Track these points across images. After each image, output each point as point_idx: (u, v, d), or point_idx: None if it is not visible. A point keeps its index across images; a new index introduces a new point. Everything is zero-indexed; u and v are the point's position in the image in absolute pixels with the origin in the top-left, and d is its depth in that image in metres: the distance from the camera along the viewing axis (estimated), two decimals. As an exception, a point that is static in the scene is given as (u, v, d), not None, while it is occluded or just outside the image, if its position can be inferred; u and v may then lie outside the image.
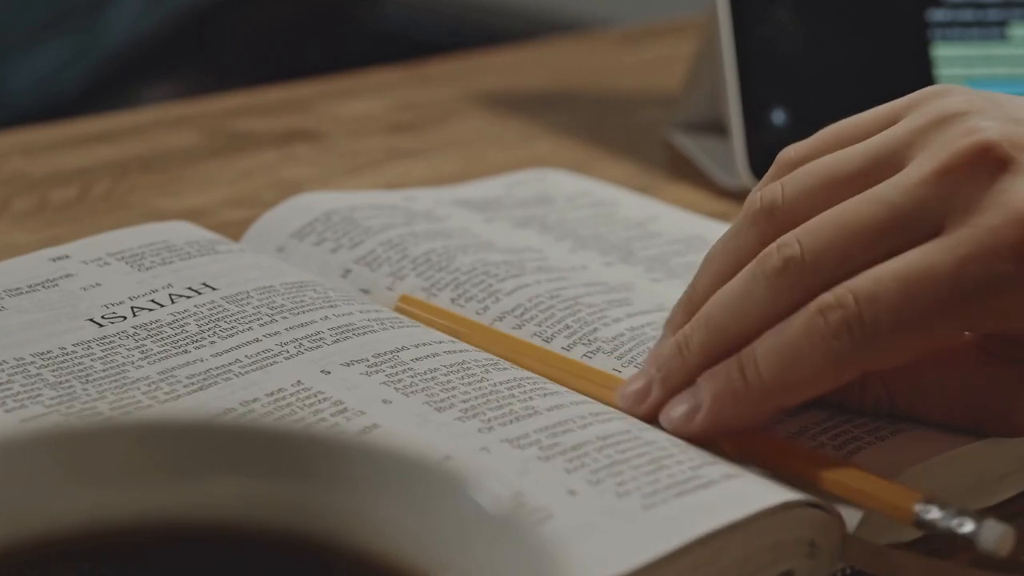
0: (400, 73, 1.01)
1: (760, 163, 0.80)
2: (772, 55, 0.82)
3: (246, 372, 0.54)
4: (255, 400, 0.52)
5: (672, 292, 0.62)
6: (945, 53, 0.83)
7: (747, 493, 0.48)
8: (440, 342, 0.56)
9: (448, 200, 0.70)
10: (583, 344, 0.57)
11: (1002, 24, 0.85)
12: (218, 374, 0.54)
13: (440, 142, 0.88)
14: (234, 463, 0.34)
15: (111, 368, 0.54)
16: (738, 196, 0.80)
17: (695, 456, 0.50)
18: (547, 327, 0.59)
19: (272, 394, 0.52)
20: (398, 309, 0.60)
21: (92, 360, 0.54)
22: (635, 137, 0.90)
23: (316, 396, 0.52)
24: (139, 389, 0.52)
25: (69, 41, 1.79)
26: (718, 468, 0.50)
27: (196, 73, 1.88)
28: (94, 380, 0.53)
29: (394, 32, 1.94)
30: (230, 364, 0.54)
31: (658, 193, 0.80)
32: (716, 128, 0.87)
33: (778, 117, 0.81)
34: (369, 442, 0.35)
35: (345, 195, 0.69)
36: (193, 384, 0.53)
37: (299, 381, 0.53)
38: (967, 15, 0.85)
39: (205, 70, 1.88)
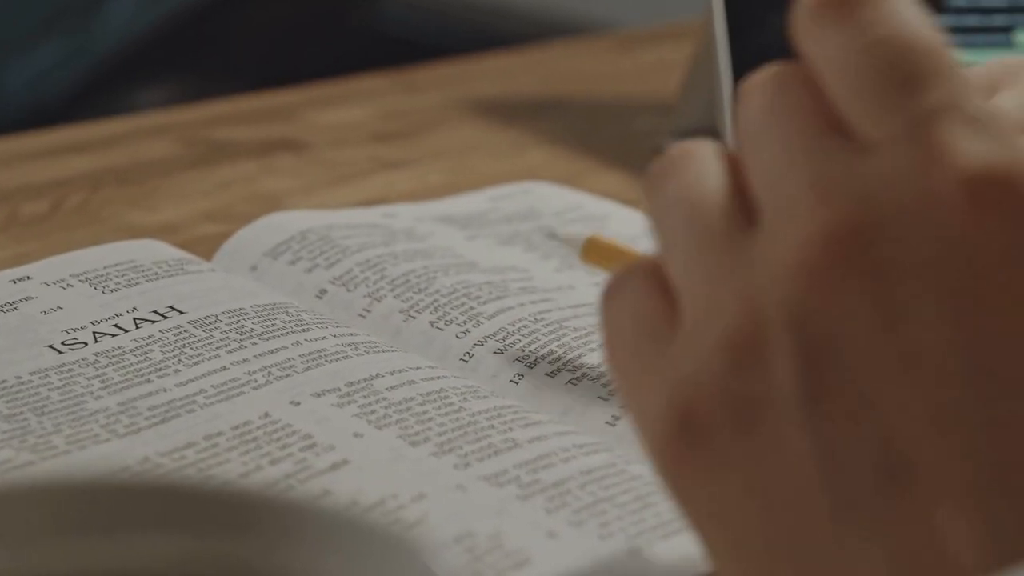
0: (387, 80, 0.98)
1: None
2: (768, 63, 0.79)
3: (211, 403, 0.51)
4: (219, 434, 0.49)
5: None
6: (949, 60, 0.81)
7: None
8: (417, 368, 0.53)
9: (430, 216, 0.68)
10: (568, 371, 0.55)
11: (1008, 30, 0.82)
12: (181, 405, 0.51)
13: (427, 152, 0.85)
14: (159, 520, 0.31)
15: (69, 399, 0.51)
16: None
17: (683, 494, 0.47)
18: (530, 352, 0.56)
19: (237, 427, 0.50)
20: (584, 255, 0.57)
21: (49, 390, 0.51)
22: (630, 146, 0.88)
23: (284, 429, 0.50)
24: (97, 422, 0.50)
25: (63, 42, 1.77)
26: (707, 507, 0.47)
27: (192, 75, 1.85)
28: (50, 412, 0.50)
29: (393, 33, 1.92)
30: (194, 395, 0.51)
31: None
32: (712, 137, 0.84)
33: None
34: (307, 499, 0.32)
35: (322, 213, 0.66)
36: (155, 416, 0.50)
37: (267, 413, 0.50)
38: (972, 20, 0.82)
39: (201, 71, 1.86)
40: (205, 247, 0.69)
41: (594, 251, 0.57)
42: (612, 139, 0.89)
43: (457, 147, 0.87)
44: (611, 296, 0.39)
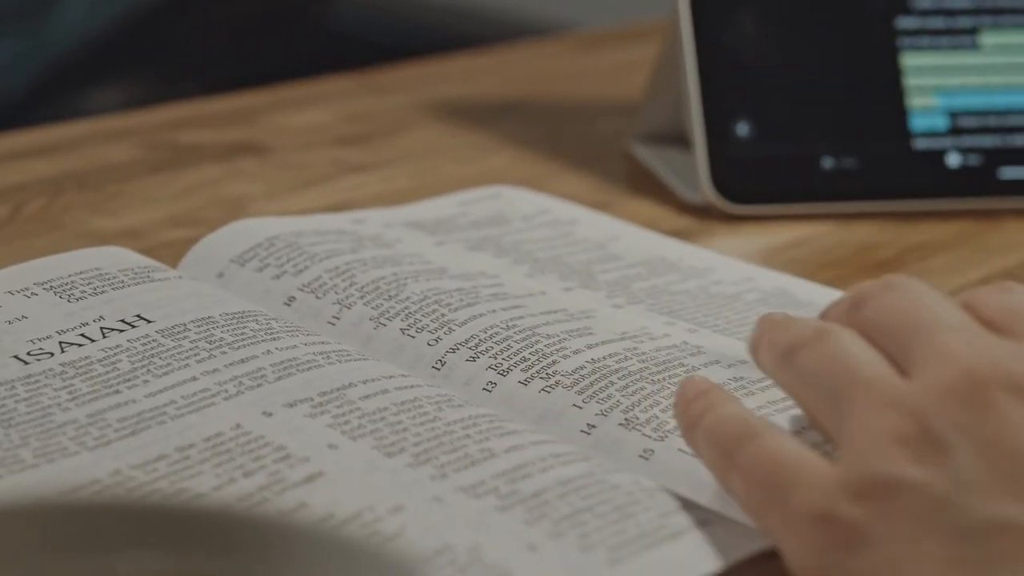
0: (350, 82, 0.97)
1: (723, 177, 0.77)
2: (735, 65, 0.79)
3: (182, 414, 0.50)
4: (191, 446, 0.49)
5: (635, 318, 0.59)
6: (914, 63, 0.80)
7: (718, 544, 0.45)
8: (390, 377, 0.53)
9: (398, 222, 0.67)
10: (541, 378, 0.54)
11: (973, 32, 0.82)
12: (151, 417, 0.50)
13: (392, 155, 0.85)
14: (143, 539, 0.30)
15: (35, 410, 0.50)
16: (701, 212, 0.77)
17: (663, 502, 0.47)
18: (503, 360, 0.55)
19: (209, 439, 0.49)
20: None
21: (16, 402, 0.50)
22: (595, 149, 0.87)
23: (257, 441, 0.49)
24: (66, 434, 0.49)
25: (14, 43, 1.75)
26: (687, 516, 0.46)
27: (147, 75, 1.84)
28: (17, 424, 0.49)
29: (348, 33, 1.91)
30: (164, 406, 0.51)
31: (618, 208, 0.77)
32: (678, 140, 0.84)
33: (742, 129, 0.78)
34: (290, 515, 0.32)
35: (289, 220, 0.65)
36: (124, 428, 0.49)
37: (239, 424, 0.50)
38: (937, 22, 0.82)
39: (156, 72, 1.84)
40: (170, 253, 0.68)
41: None
42: (576, 141, 0.88)
43: (422, 150, 0.86)
44: None
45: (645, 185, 0.82)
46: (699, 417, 0.47)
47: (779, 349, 0.48)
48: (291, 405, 0.51)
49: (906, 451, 0.42)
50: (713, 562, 0.44)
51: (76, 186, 0.78)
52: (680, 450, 0.50)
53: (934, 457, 0.42)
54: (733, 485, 0.45)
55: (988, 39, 0.82)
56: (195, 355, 0.53)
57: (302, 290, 0.60)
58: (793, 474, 0.44)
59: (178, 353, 0.53)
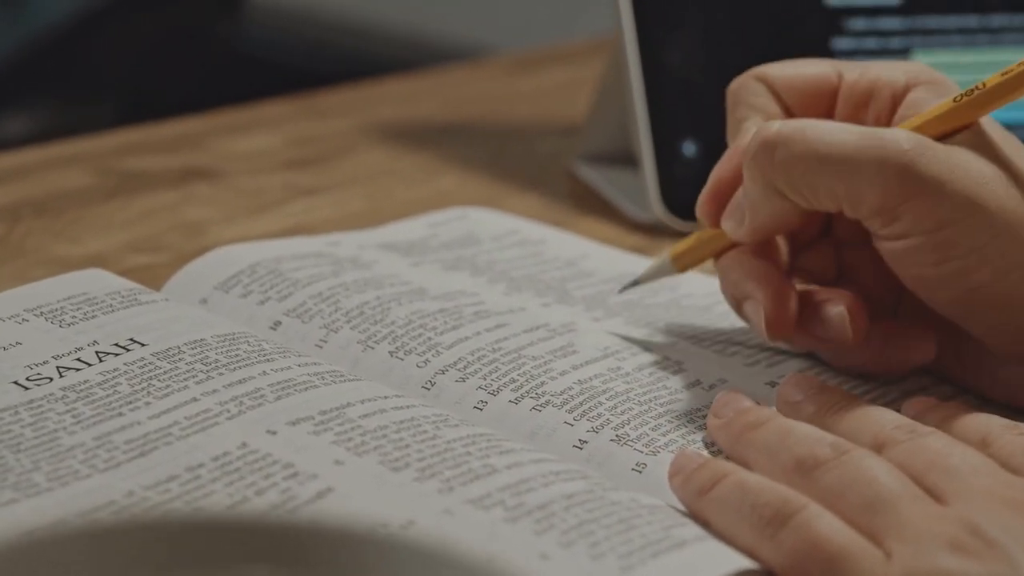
0: (291, 106, 0.98)
1: (673, 196, 0.79)
2: (681, 84, 0.81)
3: (187, 435, 0.51)
4: (201, 465, 0.49)
5: (616, 330, 0.60)
6: (853, 82, 0.83)
7: (722, 554, 0.47)
8: (386, 397, 0.54)
9: (372, 244, 0.68)
10: (531, 398, 0.56)
11: (906, 52, 0.85)
12: (158, 438, 0.51)
13: (342, 178, 0.86)
14: (259, 552, 0.31)
15: (42, 435, 0.51)
16: (651, 230, 0.79)
17: (665, 516, 0.49)
18: (492, 380, 0.57)
19: (218, 458, 0.50)
20: (676, 263, 0.60)
21: (21, 427, 0.51)
22: (538, 169, 0.89)
23: (264, 459, 0.50)
24: (75, 457, 0.50)
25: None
26: (690, 529, 0.48)
27: (55, 101, 1.83)
28: (26, 449, 0.50)
29: (258, 54, 1.91)
30: (169, 426, 0.51)
31: (569, 228, 0.79)
32: (623, 159, 0.85)
33: (689, 148, 0.80)
34: (373, 531, 0.33)
35: (267, 245, 0.66)
36: (132, 450, 0.50)
37: (245, 443, 0.51)
38: (871, 43, 0.85)
39: (64, 98, 1.83)
40: (137, 278, 0.69)
41: (684, 258, 0.60)
42: (520, 162, 0.90)
43: (370, 173, 0.87)
44: None
45: (592, 205, 0.83)
46: (709, 485, 0.49)
47: (788, 464, 0.49)
48: (294, 423, 0.52)
49: (962, 551, 0.45)
50: (721, 567, 0.46)
51: (33, 213, 0.78)
52: (673, 460, 0.51)
53: (989, 551, 0.45)
54: (767, 556, 0.47)
55: (920, 59, 0.85)
56: (193, 376, 0.54)
57: (288, 315, 0.61)
58: (848, 564, 0.45)
59: (176, 375, 0.54)
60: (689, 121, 0.81)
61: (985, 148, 0.54)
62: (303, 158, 0.89)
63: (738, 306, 0.58)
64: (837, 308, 0.56)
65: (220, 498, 0.48)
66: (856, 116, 0.58)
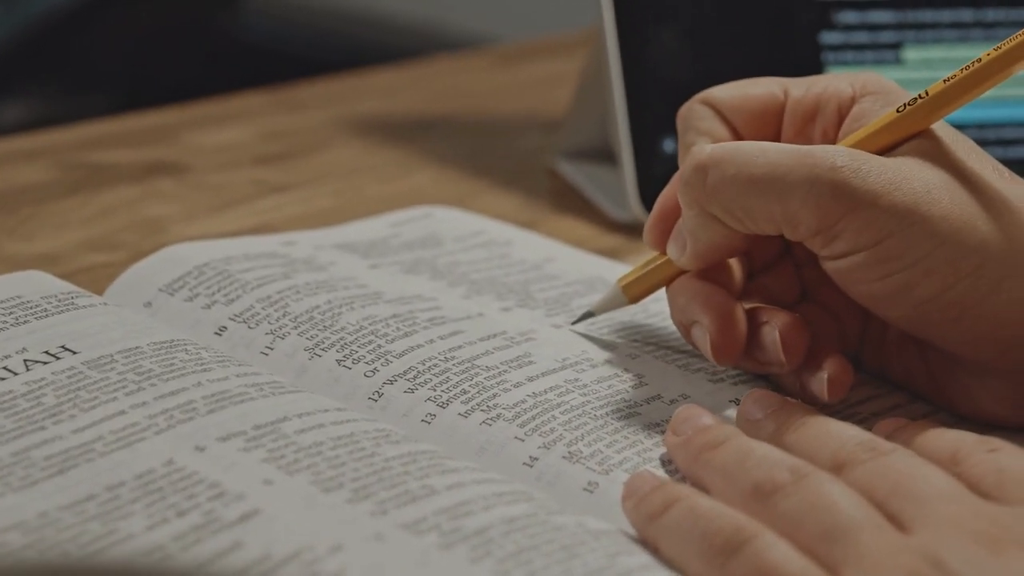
0: (266, 98, 0.95)
1: (652, 194, 0.76)
2: (662, 80, 0.78)
3: (111, 451, 0.48)
4: (121, 484, 0.47)
5: (575, 342, 0.58)
6: (841, 78, 0.80)
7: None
8: (326, 410, 0.51)
9: (329, 244, 0.65)
10: (482, 411, 0.53)
11: (897, 47, 0.82)
12: (79, 454, 0.48)
13: (312, 174, 0.83)
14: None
15: (-42, 449, 0.48)
16: (629, 229, 0.76)
17: (611, 543, 0.46)
18: (442, 392, 0.54)
19: (141, 476, 0.47)
20: (626, 292, 0.57)
21: (-64, 441, 0.48)
22: (518, 165, 0.86)
23: (190, 478, 0.47)
24: (-10, 474, 0.47)
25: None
26: (636, 558, 0.45)
27: (51, 90, 1.81)
28: (-62, 465, 0.47)
29: (258, 44, 1.88)
30: (92, 442, 0.49)
31: (545, 226, 0.76)
32: (604, 156, 0.83)
33: (669, 146, 0.77)
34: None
35: (219, 244, 0.64)
36: (51, 467, 0.47)
37: (171, 460, 0.48)
38: (861, 37, 0.82)
39: (61, 87, 1.81)
40: (88, 279, 0.66)
41: (634, 287, 0.57)
42: (499, 158, 0.87)
43: (343, 168, 0.85)
44: None
45: (571, 203, 0.81)
46: (661, 510, 0.46)
47: (746, 488, 0.47)
48: (224, 439, 0.49)
49: None
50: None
51: (-12, 209, 0.76)
52: (627, 482, 0.49)
53: None
54: None
55: (912, 54, 0.82)
56: (123, 387, 0.51)
57: (234, 320, 0.58)
58: None
59: (105, 386, 0.52)
60: (670, 118, 0.77)
61: (933, 155, 0.52)
62: (274, 153, 0.86)
63: (686, 332, 0.55)
64: (771, 333, 0.54)
65: (139, 520, 0.45)
66: (803, 133, 0.56)
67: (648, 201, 0.76)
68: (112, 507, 0.46)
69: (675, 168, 0.76)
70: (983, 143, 0.80)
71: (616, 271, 0.66)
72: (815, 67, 0.80)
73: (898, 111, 0.53)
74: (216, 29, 1.94)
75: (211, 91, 0.96)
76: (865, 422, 0.54)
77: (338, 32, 1.86)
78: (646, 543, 0.46)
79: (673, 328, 0.59)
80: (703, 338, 0.54)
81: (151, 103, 0.94)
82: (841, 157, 0.51)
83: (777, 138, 0.56)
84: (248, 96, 0.95)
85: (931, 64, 0.82)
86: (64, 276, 0.67)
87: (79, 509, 0.46)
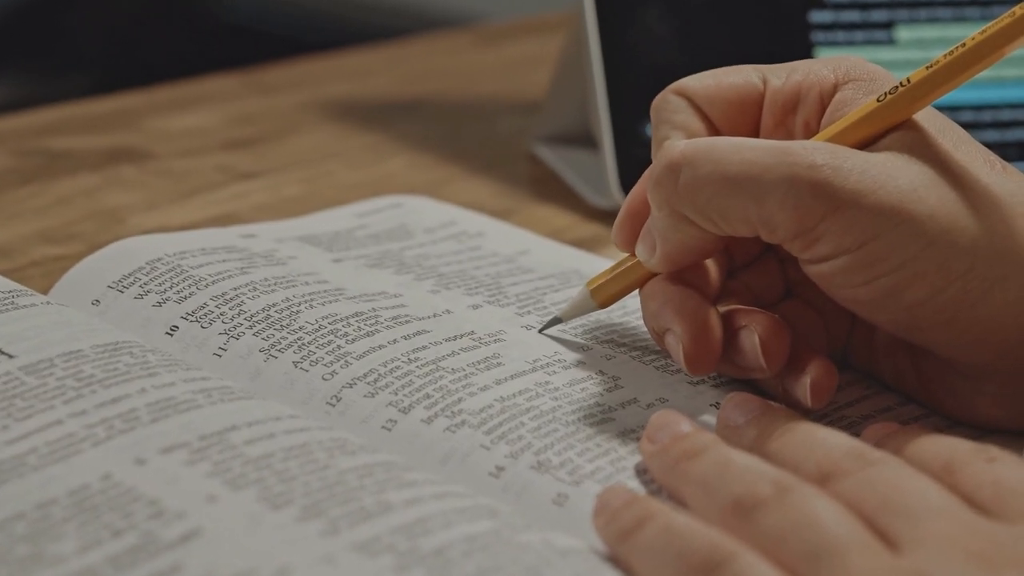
0: (235, 81, 0.92)
1: (632, 180, 0.73)
2: (643, 63, 0.75)
3: (44, 465, 0.45)
4: (53, 502, 0.43)
5: (547, 342, 0.54)
6: (831, 58, 0.77)
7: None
8: (277, 419, 0.48)
9: (291, 236, 0.62)
10: (446, 417, 0.50)
11: (888, 26, 0.79)
12: (10, 468, 0.45)
13: (281, 161, 0.80)
14: None
15: None
16: (609, 217, 0.73)
17: (579, 563, 0.42)
18: (404, 396, 0.51)
19: (75, 492, 0.44)
20: (595, 296, 0.54)
21: None
22: (496, 150, 0.83)
23: (128, 494, 0.44)
24: (-87, 491, 0.44)
25: None
26: (605, 579, 0.42)
27: (32, 70, 1.77)
28: None
29: (243, 25, 1.85)
30: (25, 454, 0.45)
31: (523, 215, 0.73)
32: (583, 141, 0.79)
33: (651, 131, 0.74)
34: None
35: (174, 237, 0.60)
36: (-22, 483, 0.44)
37: (108, 474, 0.45)
38: (852, 16, 0.79)
39: (42, 67, 1.78)
40: (40, 272, 0.63)
41: (603, 291, 0.54)
42: (476, 142, 0.84)
43: (312, 154, 0.81)
44: None
45: (550, 189, 0.77)
46: (634, 528, 0.43)
47: (726, 503, 0.43)
48: (167, 451, 0.46)
49: None
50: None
51: (-62, 199, 0.72)
52: (599, 496, 0.45)
53: None
54: None
55: (904, 33, 0.79)
56: (61, 395, 0.48)
57: (186, 319, 0.55)
58: None
59: (42, 393, 0.48)
60: (650, 102, 0.74)
61: (919, 149, 0.49)
62: (242, 138, 0.83)
63: (659, 339, 0.52)
64: (751, 338, 0.50)
65: (69, 542, 0.42)
66: (784, 124, 0.52)
67: (628, 187, 0.73)
68: (42, 527, 0.43)
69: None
70: (978, 126, 0.77)
71: (593, 264, 0.63)
72: (804, 47, 0.77)
73: (879, 100, 0.50)
74: (199, 9, 1.91)
75: (190, 72, 0.93)
76: (854, 426, 0.51)
77: (323, 12, 1.83)
78: (618, 562, 0.43)
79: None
80: (676, 347, 0.51)
81: (130, 84, 0.90)
82: (821, 154, 0.48)
83: (756, 130, 0.53)
84: (217, 79, 0.92)
85: (925, 44, 0.79)
86: (15, 270, 0.64)
87: (6, 530, 0.42)
